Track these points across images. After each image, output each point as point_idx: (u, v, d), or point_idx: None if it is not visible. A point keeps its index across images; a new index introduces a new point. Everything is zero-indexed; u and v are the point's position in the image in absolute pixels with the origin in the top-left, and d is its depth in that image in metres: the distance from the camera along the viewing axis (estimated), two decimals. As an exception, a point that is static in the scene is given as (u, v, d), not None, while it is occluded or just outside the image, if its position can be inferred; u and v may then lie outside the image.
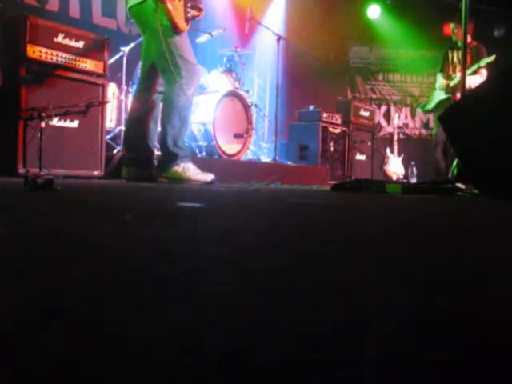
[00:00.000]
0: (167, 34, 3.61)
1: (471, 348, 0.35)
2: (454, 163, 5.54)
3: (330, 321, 0.40)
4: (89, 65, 4.03)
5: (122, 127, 4.68)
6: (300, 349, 0.33)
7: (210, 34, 5.56)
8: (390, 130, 9.02)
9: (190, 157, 3.88)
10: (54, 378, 0.28)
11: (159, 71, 3.76)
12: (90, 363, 0.29)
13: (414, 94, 9.95)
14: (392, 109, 9.81)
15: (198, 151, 4.97)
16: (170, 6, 3.56)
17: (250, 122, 5.45)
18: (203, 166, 3.98)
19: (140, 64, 4.04)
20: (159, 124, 3.85)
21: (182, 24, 3.65)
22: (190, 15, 3.72)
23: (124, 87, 5.08)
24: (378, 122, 9.29)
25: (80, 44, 3.96)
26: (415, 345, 0.35)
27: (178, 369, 0.29)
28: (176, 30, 3.62)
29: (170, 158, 3.70)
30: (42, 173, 3.45)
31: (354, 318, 0.41)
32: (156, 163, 3.83)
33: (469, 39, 5.37)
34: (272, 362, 0.31)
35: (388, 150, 8.00)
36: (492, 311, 0.45)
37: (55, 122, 3.79)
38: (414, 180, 7.87)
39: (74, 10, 5.89)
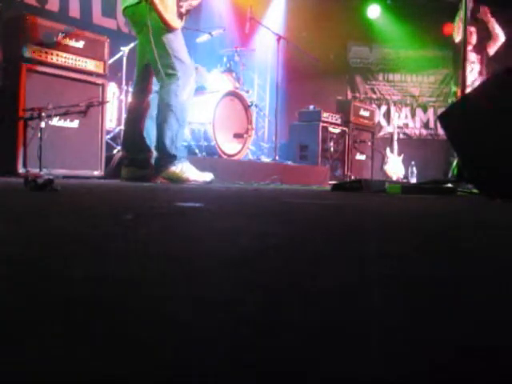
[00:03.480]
0: (162, 35, 3.58)
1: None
2: (454, 163, 5.54)
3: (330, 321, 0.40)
4: (89, 65, 4.03)
5: (122, 127, 4.68)
6: (303, 347, 0.34)
7: (210, 33, 5.56)
8: (389, 129, 9.02)
9: (186, 157, 3.87)
10: (54, 377, 0.28)
11: (154, 72, 3.73)
12: (90, 362, 0.29)
13: (414, 94, 9.95)
14: (392, 109, 9.81)
15: (197, 151, 4.97)
16: (156, 1, 3.51)
17: (250, 121, 5.45)
18: (203, 165, 3.98)
19: (136, 64, 4.02)
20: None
21: (173, 21, 3.59)
22: (183, 10, 3.65)
23: (124, 87, 5.09)
24: (378, 122, 9.29)
25: (80, 44, 3.97)
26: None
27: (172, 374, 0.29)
28: (167, 27, 3.58)
29: (167, 159, 3.68)
30: (41, 173, 3.45)
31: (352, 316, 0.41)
32: (153, 163, 3.82)
33: None
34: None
35: (388, 150, 8.01)
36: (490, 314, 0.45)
37: (55, 121, 3.79)
38: (414, 180, 7.88)
39: (74, 10, 5.89)
